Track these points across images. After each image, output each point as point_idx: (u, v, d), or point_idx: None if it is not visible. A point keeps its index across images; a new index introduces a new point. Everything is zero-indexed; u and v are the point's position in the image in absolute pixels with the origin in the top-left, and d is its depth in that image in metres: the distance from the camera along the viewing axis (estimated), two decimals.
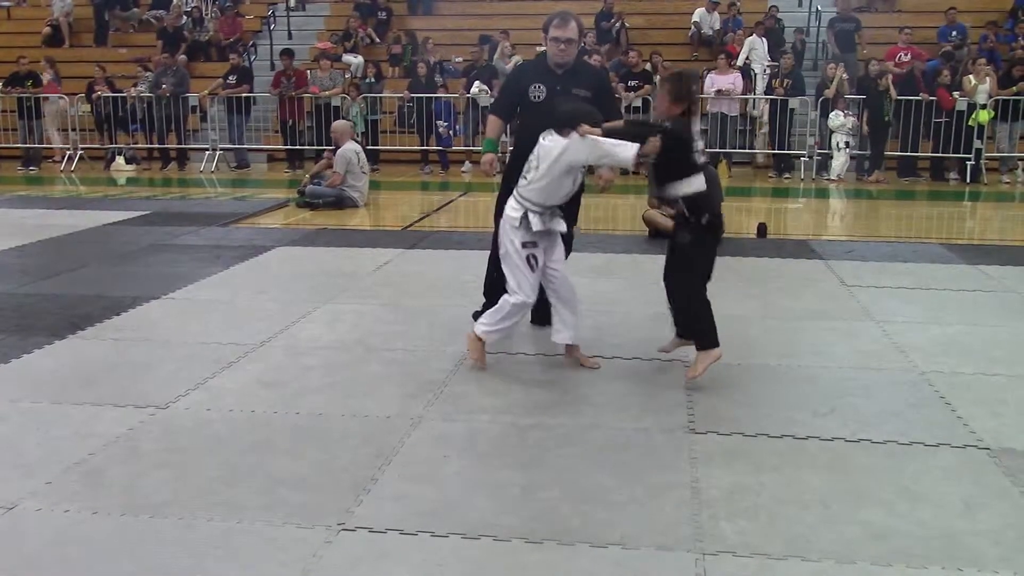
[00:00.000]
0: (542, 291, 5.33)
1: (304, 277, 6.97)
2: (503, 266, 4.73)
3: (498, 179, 5.62)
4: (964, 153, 13.56)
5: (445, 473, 3.57)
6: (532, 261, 4.64)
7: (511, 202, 4.68)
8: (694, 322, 4.55)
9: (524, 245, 4.60)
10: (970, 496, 3.39)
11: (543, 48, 5.51)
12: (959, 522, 3.20)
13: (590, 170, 4.98)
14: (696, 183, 4.42)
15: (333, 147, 11.20)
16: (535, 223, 4.56)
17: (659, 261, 7.15)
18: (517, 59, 14.99)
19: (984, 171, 13.63)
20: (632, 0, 18.85)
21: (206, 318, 5.78)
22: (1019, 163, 13.94)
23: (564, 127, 4.47)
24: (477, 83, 14.64)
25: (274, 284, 6.70)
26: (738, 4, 17.62)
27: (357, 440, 3.86)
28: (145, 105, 15.54)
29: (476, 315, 5.58)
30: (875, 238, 9.09)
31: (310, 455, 3.71)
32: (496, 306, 4.76)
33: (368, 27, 18.07)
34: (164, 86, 15.38)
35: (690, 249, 4.52)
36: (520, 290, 4.64)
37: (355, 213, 10.57)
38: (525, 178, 4.61)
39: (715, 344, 4.48)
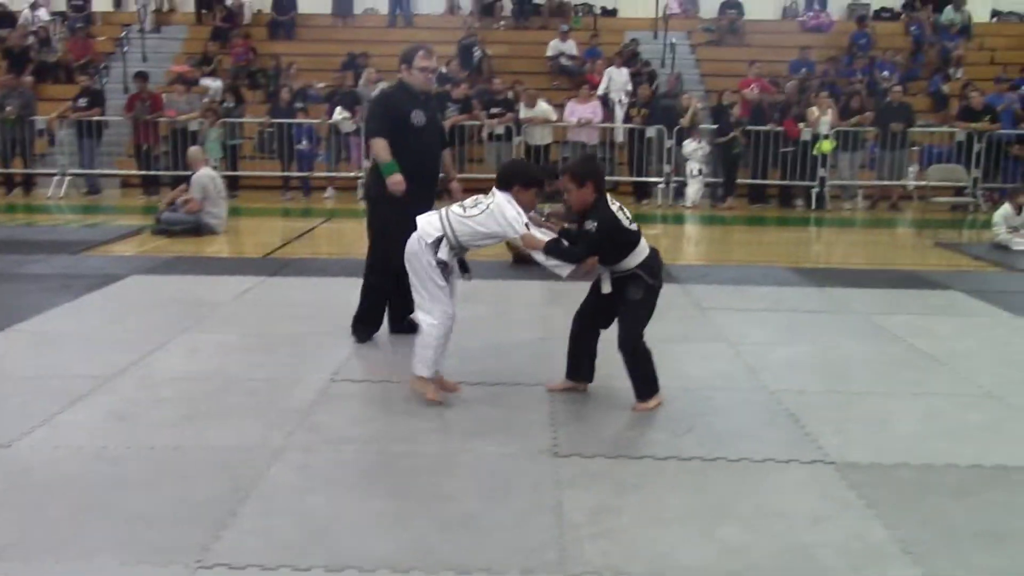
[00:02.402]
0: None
1: (160, 306, 6.74)
2: (413, 282, 4.59)
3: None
4: (809, 181, 14.24)
5: (309, 505, 3.51)
6: (445, 275, 4.54)
7: (432, 218, 4.55)
8: (643, 375, 4.59)
9: (438, 263, 4.50)
10: (818, 510, 3.55)
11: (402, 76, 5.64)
12: (809, 535, 3.34)
13: None
14: (642, 250, 4.50)
15: (191, 173, 10.91)
16: (443, 252, 4.48)
17: (523, 287, 7.29)
18: (383, 85, 14.96)
19: (828, 198, 14.33)
20: (493, 29, 19.14)
21: (54, 350, 5.53)
22: (859, 191, 14.72)
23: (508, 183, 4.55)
24: (339, 108, 14.52)
25: (128, 314, 6.46)
26: (598, 35, 18.09)
27: (215, 473, 3.76)
28: None
29: (355, 328, 5.62)
30: (728, 262, 9.43)
31: (166, 491, 3.59)
32: (419, 338, 4.62)
33: (226, 51, 17.76)
34: (8, 108, 14.69)
35: (642, 305, 4.53)
36: (436, 305, 4.53)
37: (213, 240, 10.31)
38: (463, 207, 4.54)
39: (657, 391, 4.61)
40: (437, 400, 4.63)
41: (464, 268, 4.76)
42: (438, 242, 4.49)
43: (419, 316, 4.61)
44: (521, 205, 4.52)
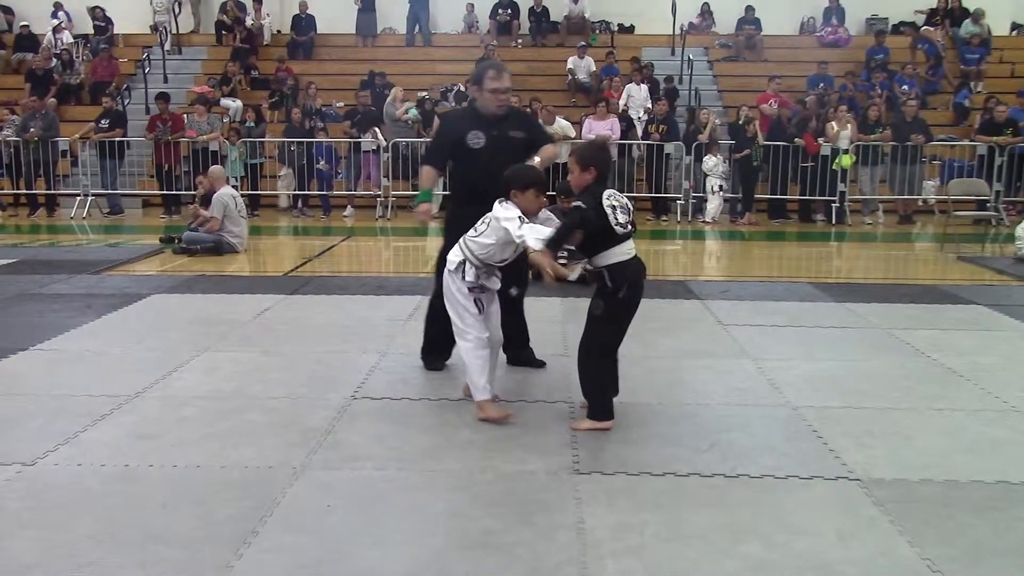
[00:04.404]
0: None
1: (181, 325, 6.78)
2: (448, 309, 4.72)
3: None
4: (829, 196, 14.19)
5: (329, 523, 3.50)
6: (479, 304, 4.65)
7: (455, 247, 4.72)
8: (588, 391, 4.59)
9: (471, 289, 4.62)
10: (843, 526, 3.51)
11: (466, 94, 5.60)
12: (833, 552, 3.30)
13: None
14: (620, 253, 4.42)
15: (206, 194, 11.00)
16: (469, 275, 4.59)
17: (541, 302, 7.27)
18: (409, 105, 15.05)
19: (848, 213, 14.27)
20: (511, 47, 19.23)
21: (77, 369, 5.56)
22: (880, 205, 14.65)
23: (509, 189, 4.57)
24: (375, 129, 14.61)
25: (149, 333, 6.50)
26: (615, 52, 18.14)
27: (237, 492, 3.76)
28: (12, 150, 14.97)
29: (424, 352, 5.56)
30: (749, 278, 9.39)
31: (187, 509, 3.60)
32: (467, 367, 4.66)
33: (245, 73, 17.92)
34: (32, 130, 14.86)
35: (599, 320, 4.52)
36: (469, 330, 4.63)
37: (234, 259, 10.37)
38: (476, 229, 4.66)
39: (608, 417, 4.54)
40: (501, 416, 4.63)
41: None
42: (461, 266, 4.61)
43: (458, 343, 4.72)
44: (525, 210, 4.54)
